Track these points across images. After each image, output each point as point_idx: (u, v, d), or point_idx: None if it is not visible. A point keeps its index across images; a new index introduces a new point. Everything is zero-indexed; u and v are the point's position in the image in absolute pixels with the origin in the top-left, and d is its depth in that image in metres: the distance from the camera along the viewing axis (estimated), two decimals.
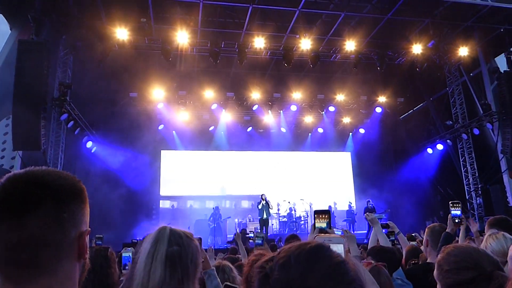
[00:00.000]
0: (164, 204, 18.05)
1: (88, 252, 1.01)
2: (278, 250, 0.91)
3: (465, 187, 15.22)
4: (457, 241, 3.73)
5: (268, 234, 16.28)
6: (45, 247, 0.91)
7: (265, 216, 14.60)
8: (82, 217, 0.99)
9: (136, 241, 6.91)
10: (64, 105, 11.83)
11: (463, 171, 15.44)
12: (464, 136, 15.01)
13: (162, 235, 1.63)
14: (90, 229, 1.02)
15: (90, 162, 14.20)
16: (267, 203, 14.68)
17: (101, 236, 5.52)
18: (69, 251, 0.95)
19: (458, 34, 14.22)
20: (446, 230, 3.56)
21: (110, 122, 15.60)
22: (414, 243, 5.45)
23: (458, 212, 3.59)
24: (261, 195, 14.86)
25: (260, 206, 14.63)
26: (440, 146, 16.48)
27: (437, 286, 1.77)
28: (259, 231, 14.79)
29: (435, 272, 1.77)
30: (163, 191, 18.25)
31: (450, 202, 3.68)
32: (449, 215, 3.62)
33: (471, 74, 15.35)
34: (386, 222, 4.77)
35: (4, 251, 0.89)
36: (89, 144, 14.35)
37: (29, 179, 0.94)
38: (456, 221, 3.56)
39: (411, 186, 16.91)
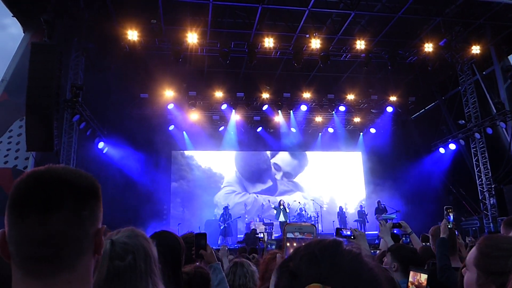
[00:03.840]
0: (175, 205, 18.15)
1: (103, 247, 1.03)
2: (294, 249, 0.91)
3: (478, 187, 15.04)
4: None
5: (277, 235, 16.38)
6: (68, 243, 0.93)
7: (283, 218, 15.52)
8: (99, 214, 1.01)
9: None
10: (76, 106, 11.92)
11: (476, 171, 15.26)
12: (477, 135, 14.84)
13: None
14: (105, 226, 1.04)
15: (102, 163, 14.32)
16: (285, 208, 15.76)
17: None
18: (87, 247, 0.97)
19: (470, 32, 14.09)
20: (441, 236, 3.55)
21: (121, 123, 15.72)
22: (428, 243, 5.39)
23: (451, 217, 3.62)
24: (279, 201, 15.87)
25: (275, 212, 15.73)
26: (452, 146, 16.30)
27: (469, 275, 1.72)
28: (271, 238, 14.98)
29: (472, 259, 1.72)
30: (173, 192, 18.36)
31: (445, 207, 3.68)
32: (444, 220, 3.61)
33: (483, 73, 15.17)
34: (398, 221, 4.73)
35: (28, 247, 0.90)
36: (101, 145, 14.43)
37: (52, 176, 0.95)
38: (449, 226, 3.56)
39: (423, 187, 16.77)
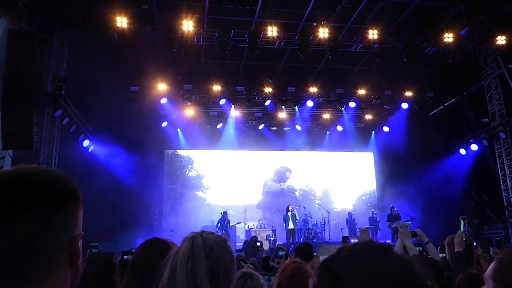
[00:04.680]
0: (168, 208, 18.06)
1: (80, 258, 1.01)
2: (337, 250, 0.94)
3: (503, 192, 14.89)
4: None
5: (281, 243, 16.23)
6: (34, 254, 0.90)
7: (291, 226, 15.48)
8: (75, 220, 0.99)
9: None
10: (58, 100, 11.85)
11: (500, 174, 15.10)
12: (502, 135, 14.68)
13: (195, 248, 1.59)
14: (83, 233, 1.01)
15: (87, 162, 14.24)
16: (294, 214, 15.73)
17: (96, 244, 5.49)
18: (60, 257, 0.95)
19: (495, 21, 13.94)
20: (456, 249, 3.52)
21: (109, 119, 15.68)
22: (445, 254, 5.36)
23: (467, 229, 3.61)
24: (288, 207, 15.82)
25: (285, 219, 15.72)
26: (474, 147, 16.15)
27: (489, 285, 1.79)
28: (270, 238, 14.92)
29: (490, 271, 1.81)
30: (166, 194, 18.28)
31: (460, 218, 3.64)
32: (458, 231, 3.56)
33: (510, 66, 15.02)
34: (413, 230, 4.62)
35: None
36: (86, 142, 14.40)
37: (18, 179, 0.93)
38: (464, 238, 3.52)
39: (441, 191, 16.64)
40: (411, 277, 0.85)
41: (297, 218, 16.05)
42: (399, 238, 4.13)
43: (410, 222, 14.97)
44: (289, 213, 15.72)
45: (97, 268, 2.63)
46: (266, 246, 14.41)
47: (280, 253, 4.19)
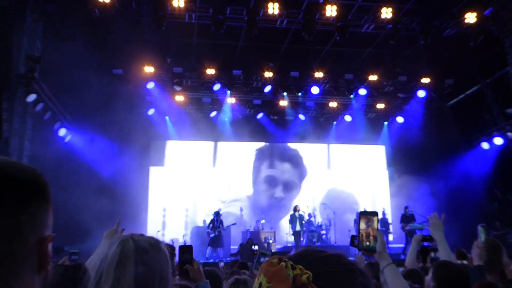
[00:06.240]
0: (155, 206, 18.13)
1: (50, 263, 0.99)
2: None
3: None
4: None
5: (281, 246, 16.32)
6: None
7: (298, 227, 15.64)
8: (44, 219, 0.97)
9: None
10: (31, 83, 11.82)
11: None
12: None
13: (126, 252, 1.57)
14: (53, 234, 1.00)
15: (64, 154, 14.20)
16: (301, 215, 15.92)
17: (77, 251, 5.44)
18: (27, 262, 0.93)
19: None
20: (475, 263, 3.42)
21: (88, 105, 15.59)
22: (465, 261, 5.35)
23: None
24: (295, 206, 16.01)
25: (292, 219, 15.90)
26: (498, 140, 16.19)
27: None
28: (269, 241, 14.93)
29: None
30: (153, 190, 18.35)
31: (480, 226, 3.57)
32: (476, 241, 3.47)
33: None
34: (429, 233, 4.64)
35: None
36: (62, 131, 14.39)
37: None
38: (487, 244, 3.46)
39: (460, 190, 16.74)
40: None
41: (306, 218, 16.16)
42: (430, 230, 4.01)
43: (425, 226, 15.03)
44: (297, 213, 15.82)
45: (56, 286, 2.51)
46: (273, 248, 14.52)
47: (263, 259, 4.10)
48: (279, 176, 19.66)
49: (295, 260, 1.00)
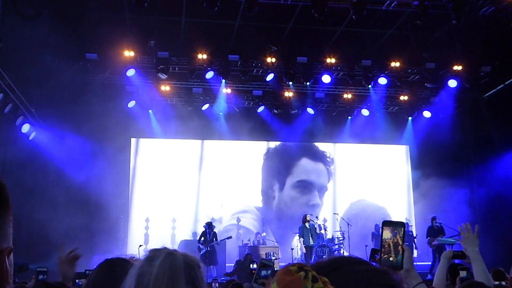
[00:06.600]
0: (136, 216, 18.16)
1: (11, 278, 1.02)
2: None
3: None
4: None
5: (288, 263, 16.16)
6: None
7: (311, 242, 15.66)
8: (2, 229, 1.02)
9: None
10: None
11: None
12: None
13: (176, 268, 1.64)
14: (12, 246, 1.04)
15: (27, 155, 14.16)
16: (314, 227, 15.86)
17: (45, 269, 5.51)
18: None
19: None
20: None
21: (56, 96, 15.64)
22: (503, 282, 5.41)
23: None
24: (305, 216, 15.95)
25: (302, 232, 15.78)
26: None
27: None
28: (271, 258, 14.90)
29: None
30: (134, 197, 18.39)
31: None
32: None
33: None
34: (461, 249, 4.59)
35: None
36: (26, 127, 14.40)
37: None
38: None
39: (498, 198, 16.82)
40: None
41: (318, 231, 16.05)
42: (462, 244, 3.99)
43: (455, 240, 14.99)
44: (307, 224, 15.71)
45: None
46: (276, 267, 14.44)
47: (264, 272, 4.08)
48: (315, 180, 19.74)
49: (322, 270, 0.98)
